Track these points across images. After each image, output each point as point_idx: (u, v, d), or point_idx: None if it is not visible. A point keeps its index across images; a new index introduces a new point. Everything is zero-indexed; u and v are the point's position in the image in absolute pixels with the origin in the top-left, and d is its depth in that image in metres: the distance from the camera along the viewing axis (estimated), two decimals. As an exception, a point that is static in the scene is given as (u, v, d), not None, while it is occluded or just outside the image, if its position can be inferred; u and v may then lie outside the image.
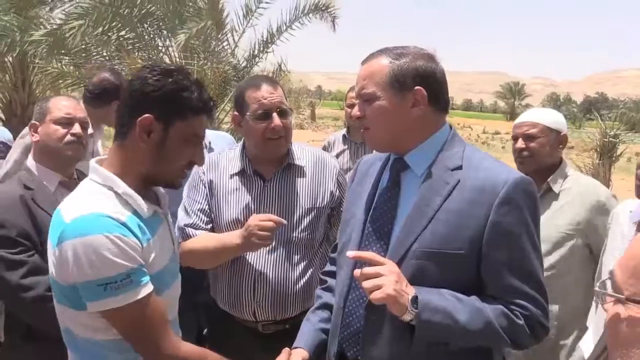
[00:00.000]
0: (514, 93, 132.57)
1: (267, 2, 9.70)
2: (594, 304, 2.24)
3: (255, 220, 1.92)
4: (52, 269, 1.39)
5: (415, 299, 1.32)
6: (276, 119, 2.03)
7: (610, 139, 8.97)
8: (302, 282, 2.11)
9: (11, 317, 2.01)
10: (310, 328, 1.71)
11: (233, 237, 1.99)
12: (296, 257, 2.11)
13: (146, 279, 1.37)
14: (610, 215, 2.30)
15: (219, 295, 2.18)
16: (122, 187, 1.40)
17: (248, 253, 2.08)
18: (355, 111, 1.54)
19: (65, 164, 2.11)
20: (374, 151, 4.07)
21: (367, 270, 1.35)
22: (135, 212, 1.40)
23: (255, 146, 2.11)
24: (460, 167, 1.45)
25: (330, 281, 1.78)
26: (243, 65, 10.00)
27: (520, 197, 1.39)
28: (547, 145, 2.40)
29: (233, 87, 9.78)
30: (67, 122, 2.09)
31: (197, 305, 2.50)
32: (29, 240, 1.91)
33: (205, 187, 2.15)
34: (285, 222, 1.97)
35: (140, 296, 1.34)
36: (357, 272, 1.38)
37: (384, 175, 1.60)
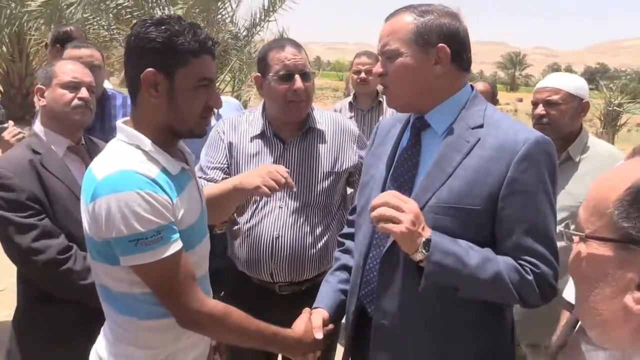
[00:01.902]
0: (514, 63, 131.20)
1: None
2: None
3: (275, 170, 1.81)
4: (85, 225, 1.42)
5: (428, 242, 1.33)
6: (298, 81, 2.01)
7: (615, 107, 8.93)
8: (319, 245, 2.11)
9: (24, 281, 2.01)
10: (329, 289, 1.72)
11: (250, 177, 1.83)
12: (314, 220, 2.11)
13: (176, 236, 1.38)
14: None
15: (237, 256, 2.18)
16: (149, 144, 1.40)
17: (267, 214, 2.08)
18: (377, 68, 1.51)
19: (73, 128, 2.08)
20: (381, 117, 4.03)
21: (389, 198, 1.34)
22: (164, 169, 1.40)
23: (277, 108, 2.09)
24: (481, 126, 1.43)
25: (349, 243, 1.78)
26: (244, 34, 9.87)
27: (540, 156, 1.38)
28: (569, 112, 2.31)
29: (233, 56, 9.67)
30: (73, 86, 2.05)
31: (213, 271, 2.51)
32: (39, 204, 1.89)
33: (225, 146, 2.14)
34: (294, 188, 1.89)
35: (169, 253, 1.35)
36: (375, 200, 1.36)
37: (404, 136, 1.59)
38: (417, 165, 1.50)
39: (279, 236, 2.07)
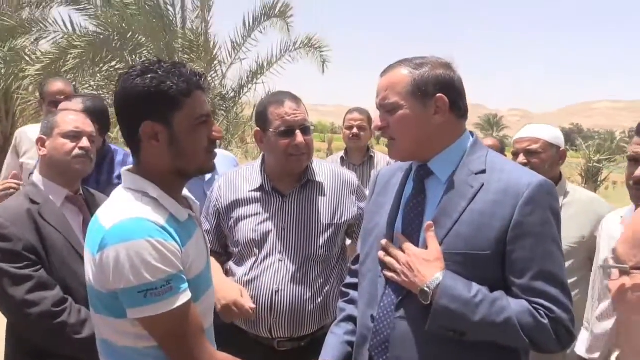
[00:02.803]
0: (492, 124, 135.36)
1: (253, 40, 9.88)
2: (589, 306, 2.22)
3: (243, 301, 1.95)
4: (90, 277, 1.36)
5: (436, 284, 1.36)
6: (299, 136, 2.03)
7: (595, 164, 9.21)
8: (319, 298, 2.08)
9: (16, 335, 1.93)
10: (335, 340, 1.68)
11: (221, 295, 1.95)
12: (314, 273, 2.08)
13: (185, 286, 1.34)
14: (599, 228, 2.31)
15: None
16: (157, 191, 1.38)
17: (267, 268, 2.06)
18: (377, 121, 1.54)
19: (73, 178, 2.07)
20: (373, 172, 4.07)
21: (388, 258, 1.49)
22: (172, 217, 1.38)
23: (277, 162, 2.11)
24: (484, 171, 1.46)
25: (353, 293, 1.75)
26: (231, 95, 10.09)
27: (544, 199, 1.40)
28: (549, 160, 2.43)
29: (220, 117, 9.83)
30: (75, 136, 2.06)
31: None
32: (35, 254, 1.85)
33: (215, 213, 2.18)
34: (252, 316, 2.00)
35: (178, 304, 1.31)
36: (380, 254, 1.51)
37: (407, 184, 1.60)
38: (423, 213, 1.51)
39: (279, 290, 2.04)
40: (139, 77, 1.35)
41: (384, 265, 1.51)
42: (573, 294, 2.29)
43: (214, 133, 1.46)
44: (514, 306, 1.36)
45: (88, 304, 1.90)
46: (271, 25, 9.91)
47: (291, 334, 2.07)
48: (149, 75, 1.34)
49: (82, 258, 1.93)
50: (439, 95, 1.46)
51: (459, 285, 1.36)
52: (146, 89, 1.34)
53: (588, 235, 2.35)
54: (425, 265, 1.39)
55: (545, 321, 1.36)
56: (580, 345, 2.07)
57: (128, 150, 2.95)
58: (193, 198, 1.58)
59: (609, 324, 1.96)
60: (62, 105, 2.73)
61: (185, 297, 1.33)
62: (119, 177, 2.64)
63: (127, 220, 1.29)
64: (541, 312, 1.36)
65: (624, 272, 0.81)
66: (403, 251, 1.46)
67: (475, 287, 1.37)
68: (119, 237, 1.27)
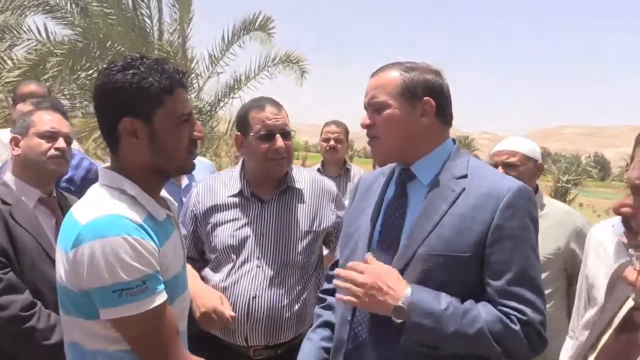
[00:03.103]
0: (463, 146, 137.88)
1: (232, 54, 9.87)
2: (575, 318, 2.25)
3: (223, 309, 1.93)
4: (62, 275, 1.31)
5: (406, 302, 1.35)
6: (279, 140, 2.03)
7: (563, 184, 9.47)
8: (296, 306, 2.05)
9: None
10: (312, 346, 1.66)
11: (200, 302, 1.94)
12: (292, 280, 2.06)
13: (161, 286, 1.30)
14: (587, 237, 2.36)
15: None
16: (135, 189, 1.34)
17: (244, 274, 2.03)
18: (365, 119, 1.55)
19: (47, 179, 2.02)
20: (349, 184, 4.09)
21: (346, 274, 1.45)
22: (150, 215, 1.34)
23: (257, 167, 2.09)
24: (465, 176, 1.48)
25: (330, 299, 1.74)
26: (207, 109, 10.04)
27: (523, 204, 1.43)
28: (527, 173, 2.45)
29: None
30: (51, 136, 2.01)
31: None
32: (5, 256, 1.79)
33: (192, 218, 2.15)
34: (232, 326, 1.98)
35: (154, 305, 1.26)
36: (337, 282, 1.48)
37: (389, 188, 1.61)
38: (404, 215, 1.52)
39: (256, 296, 2.01)
40: (120, 73, 1.32)
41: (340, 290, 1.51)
42: (548, 305, 2.34)
43: (195, 132, 1.43)
44: (485, 315, 1.36)
45: (58, 309, 1.86)
46: (250, 38, 9.93)
47: (267, 341, 2.03)
48: (131, 71, 1.31)
49: (53, 261, 1.87)
50: (426, 98, 1.49)
51: (428, 298, 1.36)
52: (127, 85, 1.30)
53: (564, 247, 2.40)
54: (397, 281, 1.39)
55: (517, 327, 1.36)
56: (564, 354, 2.10)
57: (83, 155, 2.93)
58: (171, 199, 1.55)
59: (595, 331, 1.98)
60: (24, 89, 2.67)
61: (161, 298, 1.28)
62: (69, 180, 2.61)
63: (103, 217, 1.25)
64: (513, 317, 1.37)
65: None
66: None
67: (445, 298, 1.37)
68: (95, 233, 1.22)
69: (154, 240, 1.30)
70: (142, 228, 1.28)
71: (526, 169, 2.47)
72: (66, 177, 2.65)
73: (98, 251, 1.21)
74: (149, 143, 1.34)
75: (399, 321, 1.36)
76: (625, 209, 1.12)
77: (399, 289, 1.37)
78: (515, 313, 1.38)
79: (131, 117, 1.32)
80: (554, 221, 2.44)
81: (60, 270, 1.31)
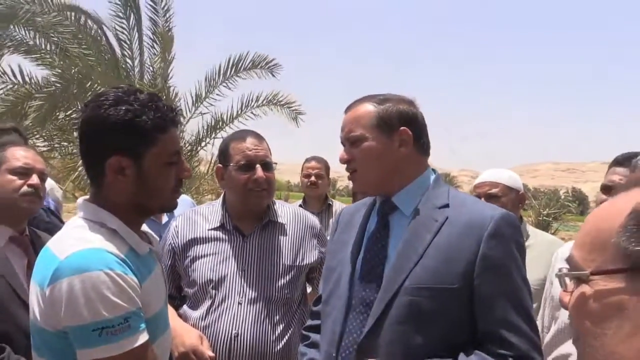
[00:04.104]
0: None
1: (217, 94, 9.89)
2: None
3: (203, 349, 1.85)
4: (36, 314, 1.23)
5: None
6: (259, 171, 2.01)
7: (544, 217, 9.57)
8: (281, 344, 1.99)
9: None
10: None
11: (179, 341, 1.85)
12: (276, 317, 2.00)
13: (143, 325, 1.23)
14: (554, 257, 2.34)
15: None
16: (116, 222, 1.29)
17: (224, 311, 1.96)
18: (343, 155, 1.55)
19: (19, 217, 1.95)
20: (331, 220, 4.05)
21: None
22: (132, 250, 1.29)
23: (237, 198, 2.06)
24: (447, 205, 1.47)
25: (314, 336, 1.69)
26: (188, 149, 10.00)
27: (507, 231, 1.41)
28: (509, 204, 2.45)
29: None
30: (24, 172, 1.94)
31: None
32: (-27, 299, 1.70)
33: (170, 252, 2.09)
34: None
35: (136, 344, 1.19)
36: None
37: (370, 220, 1.60)
38: (386, 247, 1.50)
39: (238, 334, 1.94)
40: (112, 107, 1.25)
41: (350, 307, 1.46)
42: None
43: (184, 173, 1.39)
44: None
45: (29, 355, 1.75)
46: (242, 79, 9.93)
47: None
48: (124, 107, 1.26)
49: (24, 304, 1.80)
50: (402, 128, 1.49)
51: None
52: (119, 122, 1.25)
53: (550, 277, 2.38)
54: None
55: None
56: None
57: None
58: (152, 233, 1.50)
59: (562, 349, 1.95)
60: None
61: (143, 337, 1.22)
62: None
63: (83, 251, 1.18)
64: (509, 358, 1.34)
65: (582, 280, 0.74)
66: None
67: None
68: (74, 268, 1.16)
69: (136, 276, 1.24)
70: (125, 262, 1.23)
71: (508, 199, 2.48)
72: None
73: (77, 287, 1.14)
74: (135, 181, 1.30)
75: None
76: None
77: None
78: (510, 353, 1.34)
79: (120, 155, 1.27)
80: (539, 251, 2.43)
81: (35, 310, 1.23)
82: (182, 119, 10.02)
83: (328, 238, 2.42)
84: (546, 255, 2.42)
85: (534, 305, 2.28)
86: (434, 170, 1.60)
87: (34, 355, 1.30)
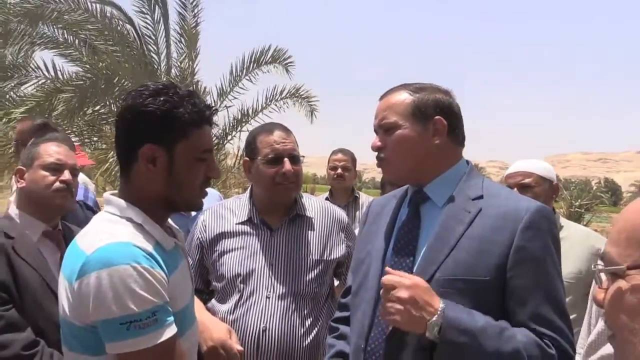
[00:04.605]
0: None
1: (241, 88, 9.94)
2: (584, 333, 2.15)
3: (231, 343, 1.81)
4: (65, 309, 1.24)
5: (440, 319, 1.25)
6: (287, 164, 1.99)
7: (576, 209, 9.35)
8: (309, 338, 1.97)
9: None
10: None
11: (207, 335, 1.82)
12: (304, 311, 1.98)
13: (171, 318, 1.23)
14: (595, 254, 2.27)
15: None
16: (142, 217, 1.30)
17: (253, 305, 1.96)
18: (375, 141, 1.52)
19: (52, 212, 1.97)
20: (358, 213, 4.02)
21: (386, 281, 1.32)
22: (158, 244, 1.29)
23: (265, 192, 2.05)
24: (481, 197, 1.43)
25: (343, 328, 1.67)
26: (215, 142, 10.08)
27: (543, 224, 1.37)
28: (542, 195, 2.38)
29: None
30: (56, 168, 1.96)
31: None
32: (7, 292, 1.73)
33: (198, 247, 2.09)
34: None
35: (164, 338, 1.20)
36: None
37: (401, 210, 1.57)
38: (417, 237, 1.46)
39: (266, 329, 1.93)
40: (151, 97, 1.29)
41: (379, 299, 1.42)
42: (575, 328, 2.24)
43: (214, 172, 1.40)
44: (520, 337, 1.29)
45: (61, 348, 1.78)
46: (262, 72, 10.00)
47: None
48: (162, 98, 1.29)
49: (57, 298, 1.82)
50: (437, 117, 1.46)
51: (463, 314, 1.28)
52: (157, 112, 1.28)
53: (585, 270, 2.31)
54: (430, 294, 1.29)
55: (553, 352, 1.30)
56: None
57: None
58: (177, 227, 1.50)
59: (608, 347, 1.89)
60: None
61: (171, 331, 1.22)
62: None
63: (111, 245, 1.19)
64: (547, 342, 1.31)
65: (618, 276, 0.76)
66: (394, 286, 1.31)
67: (480, 317, 1.29)
68: (102, 262, 1.16)
69: (163, 270, 1.25)
70: (152, 256, 1.23)
71: (542, 190, 2.39)
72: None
73: (105, 281, 1.15)
74: (165, 173, 1.31)
75: (431, 338, 1.26)
76: None
77: (434, 302, 1.27)
78: (548, 339, 1.31)
79: (154, 143, 1.29)
80: (574, 243, 2.36)
81: (64, 304, 1.25)
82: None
83: (356, 231, 2.40)
84: (580, 247, 2.34)
85: (568, 299, 2.25)
86: (467, 161, 1.55)
87: (64, 349, 1.31)
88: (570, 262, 2.31)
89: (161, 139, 1.30)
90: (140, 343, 1.16)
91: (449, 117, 1.47)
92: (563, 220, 2.50)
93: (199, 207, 1.43)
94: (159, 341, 1.19)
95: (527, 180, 2.40)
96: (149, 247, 1.24)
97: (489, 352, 1.25)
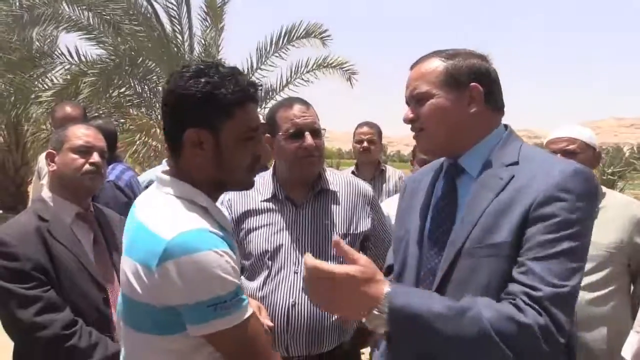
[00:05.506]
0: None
1: (270, 64, 9.83)
2: None
3: (261, 319, 1.76)
4: (136, 289, 1.25)
5: (387, 307, 1.15)
6: (309, 138, 1.95)
7: (609, 176, 9.08)
8: None
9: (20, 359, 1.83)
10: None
11: None
12: None
13: (246, 297, 1.29)
14: None
15: None
16: (207, 200, 1.31)
17: (281, 281, 1.96)
18: (407, 113, 1.45)
19: (83, 194, 2.00)
20: (384, 186, 3.96)
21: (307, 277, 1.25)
22: (220, 226, 1.31)
23: (288, 167, 2.02)
24: (516, 163, 1.34)
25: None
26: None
27: (578, 185, 1.23)
28: (587, 162, 2.23)
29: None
30: (85, 151, 1.98)
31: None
32: (45, 274, 1.77)
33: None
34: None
35: (247, 315, 1.26)
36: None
37: (437, 185, 1.50)
38: (454, 212, 1.39)
39: (295, 304, 1.93)
40: (193, 80, 1.27)
41: (419, 278, 1.39)
42: (611, 304, 2.19)
43: (260, 151, 1.38)
44: (488, 314, 1.14)
45: (98, 327, 1.83)
46: (295, 47, 9.86)
47: (309, 351, 1.95)
48: (204, 79, 1.26)
49: (92, 277, 1.86)
50: (473, 84, 1.37)
51: (414, 300, 1.17)
52: (199, 94, 1.25)
53: (627, 240, 2.22)
54: (368, 284, 1.17)
55: (529, 320, 1.13)
56: (628, 348, 1.93)
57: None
58: (221, 208, 1.50)
59: None
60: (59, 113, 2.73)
61: (250, 309, 1.28)
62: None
63: (190, 231, 1.20)
64: (521, 303, 1.15)
65: None
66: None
67: (440, 300, 1.18)
68: (184, 248, 1.18)
69: (233, 251, 1.28)
70: (224, 239, 1.26)
71: (586, 157, 2.27)
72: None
73: (191, 267, 1.17)
74: (213, 155, 1.30)
75: (383, 331, 1.18)
76: None
77: (375, 294, 1.16)
78: (524, 296, 1.15)
79: (198, 127, 1.28)
80: (615, 213, 2.26)
81: (134, 285, 1.25)
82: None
83: (382, 204, 2.36)
84: (622, 216, 2.25)
85: (609, 270, 2.19)
86: (506, 125, 1.45)
87: (126, 330, 1.33)
88: (612, 232, 2.23)
89: (206, 121, 1.28)
90: (225, 322, 1.22)
91: (485, 83, 1.38)
92: (606, 190, 2.40)
93: (251, 186, 1.43)
94: (244, 318, 1.24)
95: (571, 147, 2.28)
96: (219, 231, 1.27)
97: (449, 337, 1.14)
